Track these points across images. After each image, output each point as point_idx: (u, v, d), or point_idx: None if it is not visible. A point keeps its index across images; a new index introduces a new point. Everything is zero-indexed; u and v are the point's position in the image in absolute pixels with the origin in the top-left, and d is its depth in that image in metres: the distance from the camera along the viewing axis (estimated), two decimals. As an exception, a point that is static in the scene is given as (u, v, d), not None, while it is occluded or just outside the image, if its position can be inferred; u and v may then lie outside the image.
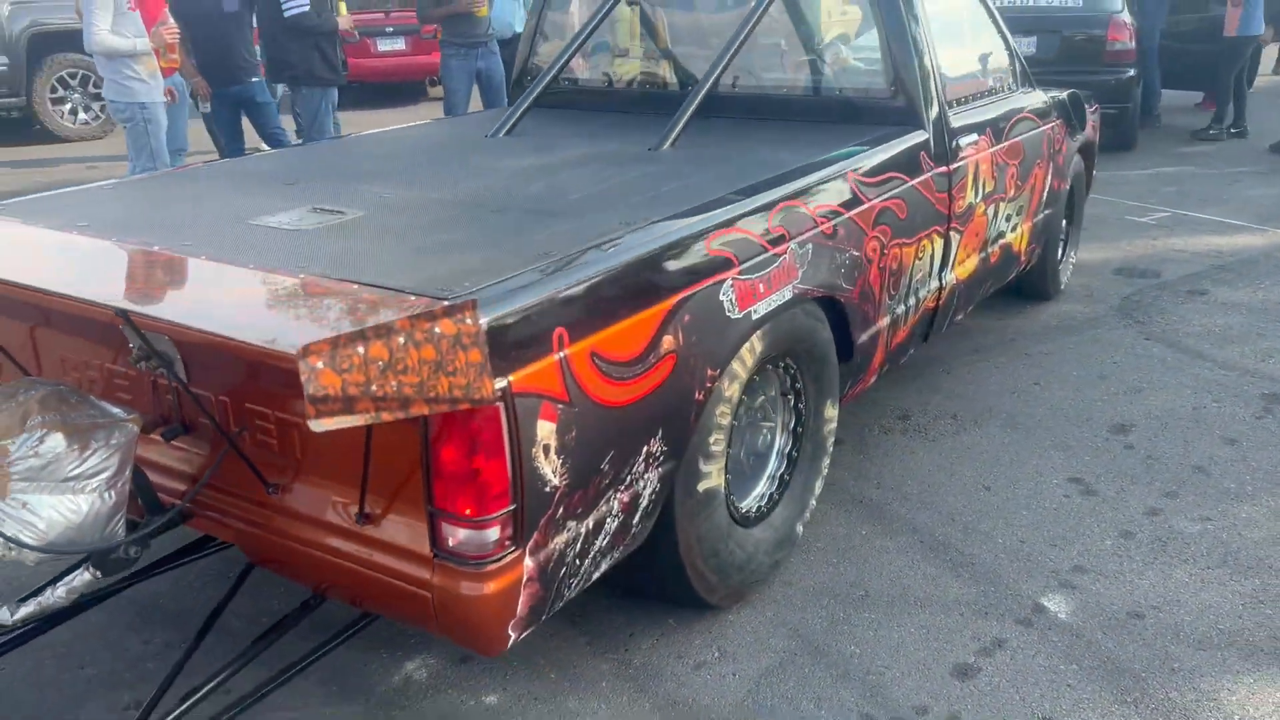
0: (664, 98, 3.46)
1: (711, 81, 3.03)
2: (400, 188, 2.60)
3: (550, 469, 1.77)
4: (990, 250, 3.64)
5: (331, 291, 1.75)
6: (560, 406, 1.77)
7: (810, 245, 2.47)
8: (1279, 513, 2.92)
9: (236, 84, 6.25)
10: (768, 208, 2.35)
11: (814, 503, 2.78)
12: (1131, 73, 7.73)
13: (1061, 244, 4.70)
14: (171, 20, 5.55)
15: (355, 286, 1.75)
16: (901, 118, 3.07)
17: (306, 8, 5.94)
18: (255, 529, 2.00)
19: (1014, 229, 3.84)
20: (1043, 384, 3.83)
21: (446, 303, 1.56)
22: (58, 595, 1.99)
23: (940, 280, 3.28)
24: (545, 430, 1.75)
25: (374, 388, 1.43)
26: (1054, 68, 7.70)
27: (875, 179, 2.78)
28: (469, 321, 1.54)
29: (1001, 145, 3.55)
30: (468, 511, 1.69)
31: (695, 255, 2.11)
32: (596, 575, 2.06)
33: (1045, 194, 4.10)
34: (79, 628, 2.42)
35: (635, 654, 2.39)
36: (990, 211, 3.53)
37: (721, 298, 2.16)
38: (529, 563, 1.79)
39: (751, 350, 2.32)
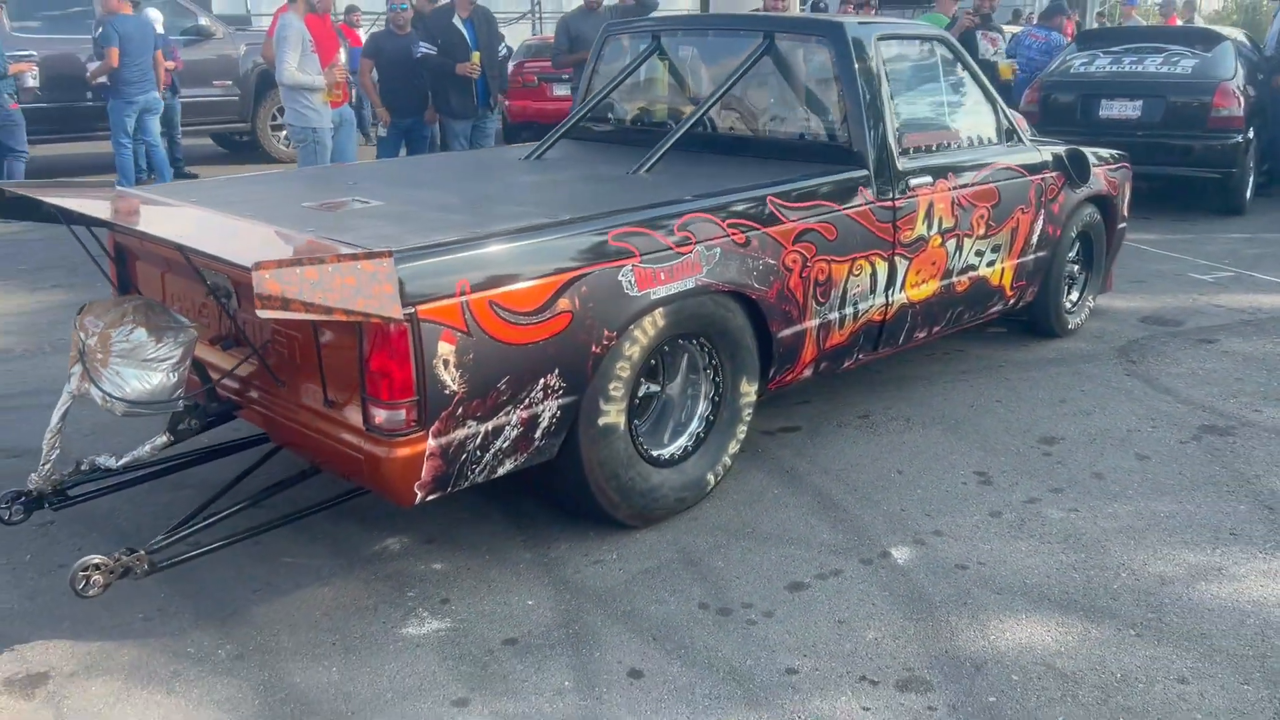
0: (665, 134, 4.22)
1: (691, 122, 3.77)
2: (429, 190, 3.49)
3: (449, 377, 2.56)
4: (955, 280, 4.18)
5: (312, 244, 2.61)
6: (459, 335, 2.56)
7: (718, 249, 3.16)
8: (1143, 513, 3.35)
9: (410, 117, 7.43)
10: (675, 215, 3.07)
11: (729, 460, 3.43)
12: (1238, 139, 7.85)
13: (1071, 287, 5.11)
14: (343, 62, 6.77)
15: (329, 242, 2.60)
16: (845, 158, 3.71)
17: (433, 51, 7.07)
18: (272, 414, 2.89)
19: (989, 265, 4.35)
20: (1004, 401, 4.31)
21: (369, 250, 2.38)
22: (145, 451, 2.93)
23: (887, 298, 3.86)
24: (445, 349, 2.54)
25: (305, 297, 2.26)
26: (1156, 131, 7.95)
27: (799, 204, 3.44)
28: (384, 265, 2.36)
29: (966, 189, 4.10)
30: (384, 397, 2.50)
31: (595, 243, 2.86)
32: (502, 470, 2.81)
33: (1035, 238, 4.58)
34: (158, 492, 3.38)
35: (553, 550, 3.12)
36: (951, 245, 4.08)
37: (620, 278, 2.90)
38: (432, 442, 2.58)
39: (654, 323, 3.03)
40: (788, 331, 3.49)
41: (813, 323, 3.59)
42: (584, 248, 2.84)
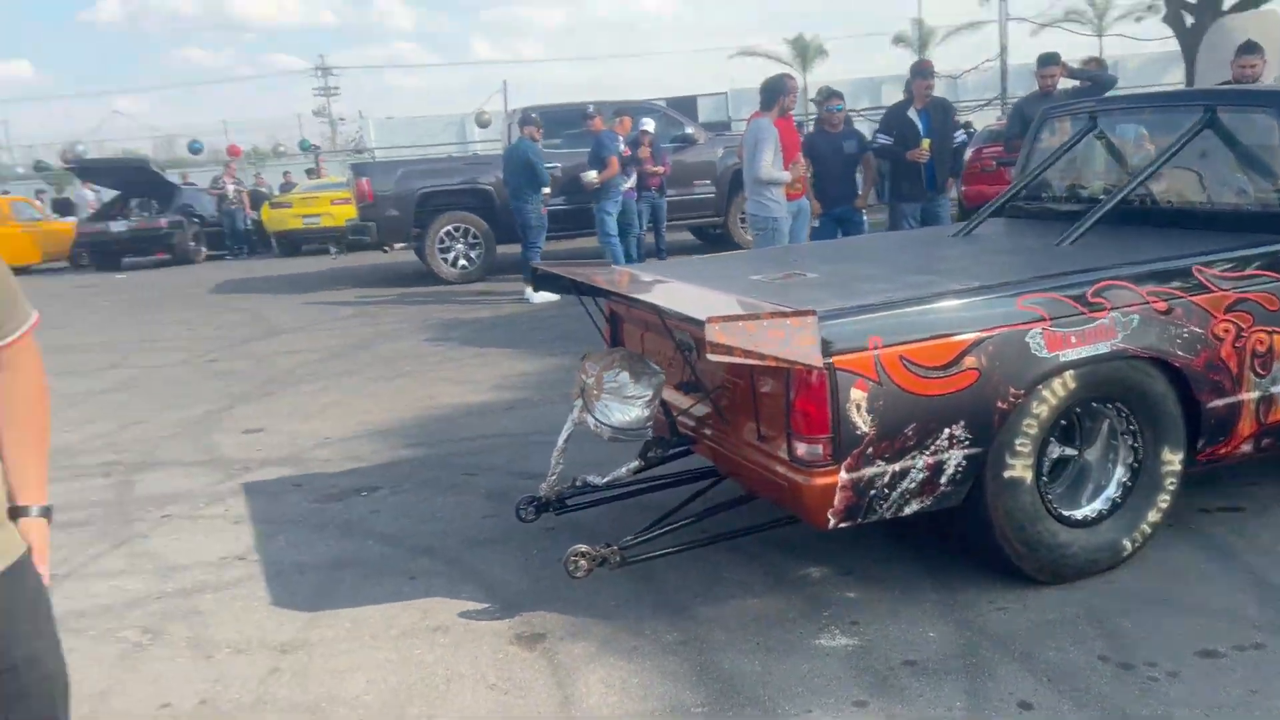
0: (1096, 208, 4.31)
1: (1118, 198, 3.88)
2: (860, 264, 3.96)
3: (860, 420, 2.97)
4: None
5: (754, 305, 3.18)
6: (870, 383, 2.97)
7: (1136, 316, 3.26)
8: None
9: (840, 206, 8.05)
10: (1088, 282, 3.24)
11: (1148, 528, 3.43)
12: None
13: None
14: (804, 160, 7.53)
15: (766, 304, 3.16)
16: (1286, 227, 3.59)
17: (889, 141, 7.58)
18: (719, 447, 3.49)
19: None
20: None
21: (796, 310, 2.90)
22: (622, 472, 3.68)
23: (1349, 374, 3.62)
24: (857, 395, 2.96)
25: (743, 345, 2.82)
26: None
27: (1232, 274, 3.41)
28: (808, 321, 2.86)
29: None
30: (804, 433, 2.98)
31: (1004, 307, 3.13)
32: (908, 510, 3.15)
33: None
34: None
35: (960, 593, 3.36)
36: None
37: (1028, 340, 3.13)
38: (844, 475, 3.00)
39: (1064, 385, 3.21)
40: (1218, 402, 3.44)
41: (1250, 395, 3.49)
42: (992, 311, 3.13)
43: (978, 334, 3.09)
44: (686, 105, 18.71)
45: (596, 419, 3.47)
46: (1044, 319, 3.16)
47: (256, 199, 20.98)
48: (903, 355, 3.00)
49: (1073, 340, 3.18)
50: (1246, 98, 3.97)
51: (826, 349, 2.91)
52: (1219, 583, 3.30)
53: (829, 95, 7.96)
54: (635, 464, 3.65)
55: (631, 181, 10.37)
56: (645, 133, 10.73)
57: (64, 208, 25.28)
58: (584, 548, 3.23)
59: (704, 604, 3.42)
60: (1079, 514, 3.38)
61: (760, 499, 3.49)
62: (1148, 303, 3.29)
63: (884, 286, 3.40)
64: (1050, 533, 3.29)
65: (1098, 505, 3.42)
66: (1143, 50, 25.85)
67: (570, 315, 3.85)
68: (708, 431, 3.60)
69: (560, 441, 3.64)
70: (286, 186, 22.63)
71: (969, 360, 3.07)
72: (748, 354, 2.81)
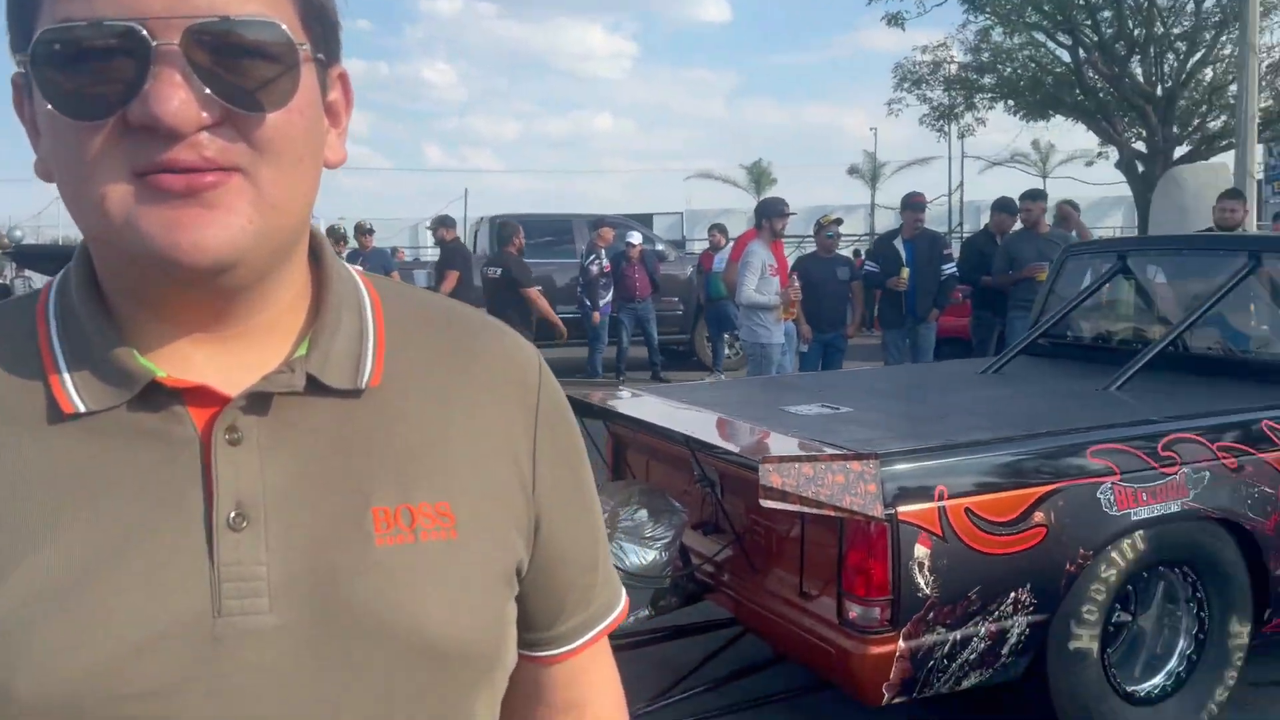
0: (1134, 353, 4.09)
1: (1169, 340, 3.65)
2: (892, 400, 3.66)
3: (923, 580, 2.62)
4: None
5: (802, 444, 2.84)
6: (935, 539, 2.63)
7: (1207, 472, 2.98)
8: None
9: (830, 332, 7.86)
10: (1160, 435, 2.97)
11: (1215, 709, 3.09)
12: None
13: None
14: (798, 283, 7.32)
15: (815, 443, 2.82)
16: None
17: (875, 269, 7.48)
18: (743, 598, 3.09)
19: None
20: None
21: (858, 452, 2.56)
22: (629, 622, 3.25)
23: None
24: (921, 552, 2.61)
25: (800, 491, 2.47)
26: None
27: (1301, 430, 3.16)
28: (870, 466, 2.52)
29: None
30: (861, 594, 2.61)
31: (1075, 458, 2.83)
32: (966, 684, 2.77)
33: None
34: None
35: (1011, 779, 2.97)
36: None
37: (1099, 495, 2.83)
38: (902, 644, 2.62)
39: (1134, 546, 2.90)
40: (1287, 570, 3.15)
41: (1318, 562, 3.21)
42: (1062, 461, 2.83)
43: (1049, 486, 2.78)
44: (644, 222, 18.74)
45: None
46: (1115, 472, 2.86)
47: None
48: (969, 508, 2.67)
49: (1144, 497, 2.88)
50: (1297, 245, 3.82)
51: (888, 498, 2.57)
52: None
53: (830, 221, 7.85)
54: (644, 613, 3.23)
55: (609, 296, 10.15)
56: (631, 245, 10.60)
57: (4, 293, 24.38)
58: None
59: (723, 783, 2.98)
60: (1142, 689, 3.03)
61: (789, 660, 3.09)
62: (1219, 458, 3.02)
63: (937, 428, 3.10)
64: (1114, 712, 2.93)
65: (1159, 680, 3.08)
66: (1088, 193, 26.82)
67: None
68: (729, 579, 3.21)
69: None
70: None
71: (1038, 515, 2.75)
72: (804, 501, 2.47)
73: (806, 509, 2.47)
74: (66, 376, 0.67)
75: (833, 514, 2.49)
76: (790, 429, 3.08)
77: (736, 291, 7.17)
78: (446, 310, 0.82)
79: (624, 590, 0.95)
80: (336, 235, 12.02)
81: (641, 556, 3.06)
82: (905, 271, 7.68)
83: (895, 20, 17.28)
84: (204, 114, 0.61)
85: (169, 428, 0.67)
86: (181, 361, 0.69)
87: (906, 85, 18.89)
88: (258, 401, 0.68)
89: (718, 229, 11.60)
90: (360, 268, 0.82)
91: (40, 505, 0.64)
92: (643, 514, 3.07)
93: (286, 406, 0.70)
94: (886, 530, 2.58)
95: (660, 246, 12.70)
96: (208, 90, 0.61)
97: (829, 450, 2.66)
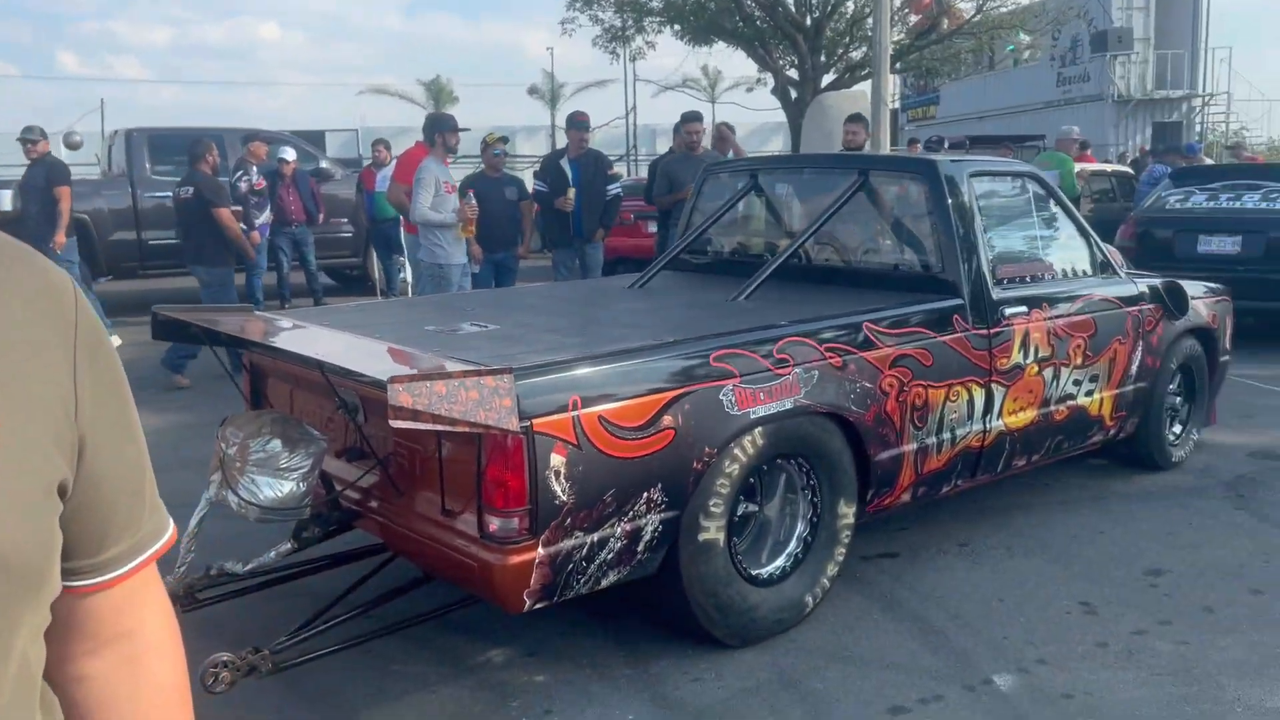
0: (763, 265, 4.41)
1: (788, 254, 3.94)
2: (540, 316, 3.70)
3: (559, 488, 2.69)
4: (1054, 408, 4.20)
5: (439, 363, 2.81)
6: (570, 448, 2.70)
7: (816, 372, 3.27)
8: (1258, 647, 3.24)
9: (500, 251, 7.83)
10: (774, 340, 3.21)
11: (827, 583, 3.45)
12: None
13: (1174, 420, 5.05)
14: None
15: (454, 361, 2.80)
16: (939, 288, 3.83)
17: (544, 188, 7.54)
18: (390, 523, 3.04)
19: (1087, 394, 4.36)
20: (1107, 533, 4.24)
21: (491, 368, 2.56)
22: (270, 557, 3.11)
23: (985, 424, 3.90)
24: (557, 461, 2.67)
25: (433, 409, 2.43)
26: (1258, 267, 7.89)
27: (894, 330, 3.54)
28: (504, 380, 2.53)
29: (1061, 319, 4.16)
30: (500, 506, 2.64)
31: (698, 364, 3.00)
32: (605, 583, 2.90)
33: (1133, 369, 4.58)
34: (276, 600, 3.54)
35: (653, 666, 3.16)
36: (1048, 374, 4.12)
37: (721, 397, 3.02)
38: (541, 551, 2.69)
39: (754, 442, 3.13)
40: (885, 455, 3.55)
41: (910, 447, 3.64)
42: (687, 368, 2.99)
43: (675, 391, 2.93)
44: (315, 139, 17.70)
45: (241, 497, 2.89)
46: (735, 375, 3.07)
47: None
48: (602, 416, 2.77)
49: (761, 397, 3.12)
50: (896, 164, 4.23)
51: (523, 412, 2.60)
52: (891, 633, 3.37)
53: (495, 139, 7.72)
54: (287, 546, 3.09)
55: (266, 216, 9.46)
56: (284, 162, 9.87)
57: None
58: (226, 656, 2.64)
59: (373, 705, 2.95)
60: (763, 572, 3.32)
61: (438, 580, 3.09)
62: (826, 359, 3.32)
63: (575, 340, 3.16)
64: (741, 595, 3.19)
65: (780, 563, 3.38)
66: (751, 119, 28.48)
67: (207, 362, 3.22)
68: (375, 504, 3.15)
69: (191, 525, 3.01)
70: None
71: (666, 419, 2.90)
72: (437, 419, 2.43)
73: (440, 427, 2.44)
74: None
75: (467, 430, 2.48)
76: (430, 348, 3.03)
77: (411, 209, 6.93)
78: None
79: (171, 519, 0.98)
80: None
81: (276, 489, 2.91)
82: (571, 191, 7.77)
83: (566, -62, 17.25)
84: None
85: None
86: None
87: (579, 5, 18.98)
88: None
89: (382, 144, 11.13)
90: None
91: None
92: (276, 444, 2.92)
93: None
94: (523, 443, 2.61)
95: (325, 164, 12.05)
96: None
97: (461, 367, 2.64)
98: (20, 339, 0.81)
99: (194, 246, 7.56)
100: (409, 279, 9.38)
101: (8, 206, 8.96)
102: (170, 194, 10.17)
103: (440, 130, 7.03)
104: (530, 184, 8.51)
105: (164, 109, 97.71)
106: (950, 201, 3.88)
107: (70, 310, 0.86)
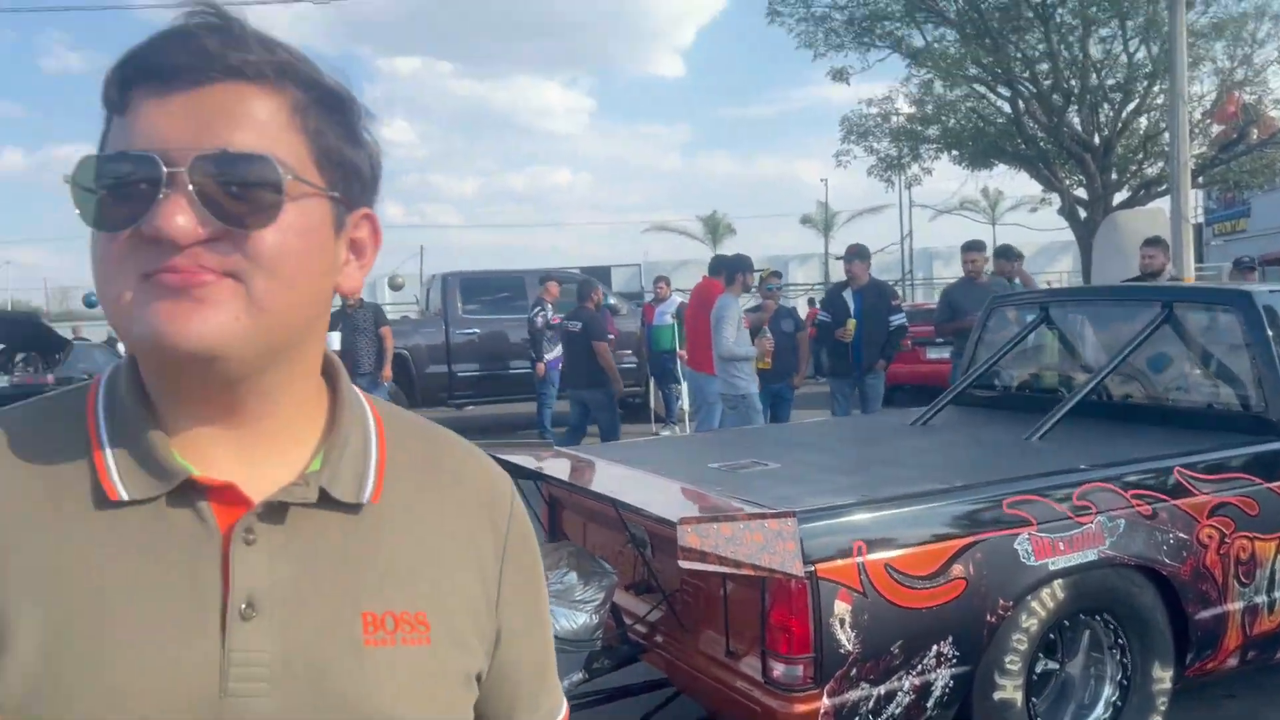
0: (1057, 402, 4.19)
1: (1086, 390, 3.75)
2: (821, 454, 3.71)
3: (844, 637, 2.65)
4: None
5: (721, 503, 2.88)
6: (855, 595, 2.66)
7: (1122, 520, 3.06)
8: None
9: (778, 382, 7.95)
10: (1074, 484, 3.04)
11: (1141, 753, 3.14)
12: None
13: None
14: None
15: (735, 501, 2.86)
16: (1263, 429, 3.49)
17: (827, 319, 7.60)
18: (675, 658, 3.11)
19: None
20: None
21: (775, 510, 2.60)
22: (563, 686, 3.25)
23: (1328, 582, 3.46)
24: (841, 608, 2.65)
25: (719, 551, 2.50)
26: None
27: (1212, 475, 3.26)
28: (788, 524, 2.56)
29: None
30: (783, 652, 2.63)
31: (990, 510, 2.89)
32: (892, 737, 2.80)
33: None
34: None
35: (944, 832, 2.98)
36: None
37: (1016, 547, 2.89)
38: (826, 702, 2.65)
39: (1053, 595, 2.95)
40: (1206, 614, 3.22)
41: (1235, 605, 3.28)
42: (978, 514, 2.89)
43: (965, 539, 2.83)
44: (601, 275, 18.80)
45: (539, 625, 3.06)
46: (1030, 523, 2.93)
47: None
48: (888, 563, 2.72)
49: (1060, 547, 2.95)
50: (1206, 295, 3.95)
51: (807, 556, 2.61)
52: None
53: (769, 274, 7.98)
54: (578, 676, 3.22)
55: (557, 351, 10.17)
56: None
57: None
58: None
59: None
60: (1069, 738, 3.07)
61: (722, 720, 3.10)
62: (1133, 506, 3.10)
63: (857, 481, 3.15)
64: (1042, 762, 2.97)
65: (1087, 728, 3.12)
66: (1036, 239, 27.43)
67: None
68: (661, 639, 3.22)
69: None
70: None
71: (957, 569, 2.80)
72: (723, 561, 2.50)
73: (726, 569, 2.50)
74: (112, 465, 0.76)
75: (752, 574, 2.52)
76: (715, 487, 3.12)
77: (716, 344, 7.24)
78: (436, 435, 0.94)
79: (565, 698, 1.04)
80: None
81: (572, 620, 3.06)
82: (851, 323, 7.80)
83: (840, 75, 17.71)
84: (201, 229, 0.71)
85: (196, 522, 0.76)
86: (209, 457, 0.78)
87: (853, 138, 19.28)
88: (274, 509, 0.78)
89: (662, 280, 11.75)
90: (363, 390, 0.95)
91: (78, 584, 0.72)
92: (572, 576, 3.09)
93: (297, 514, 0.79)
94: (806, 588, 2.61)
95: (613, 300, 12.77)
96: (208, 212, 0.71)
97: (747, 509, 2.70)
98: (462, 533, 0.87)
99: (579, 373, 8.54)
100: (686, 407, 9.72)
101: (336, 346, 10.20)
102: (473, 332, 11.15)
103: (742, 271, 7.45)
104: (803, 310, 8.67)
105: (473, 251, 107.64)
106: (1271, 334, 3.57)
107: (507, 505, 0.92)
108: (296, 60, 0.77)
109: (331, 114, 0.79)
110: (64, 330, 21.92)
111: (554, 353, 10.11)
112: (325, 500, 0.80)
